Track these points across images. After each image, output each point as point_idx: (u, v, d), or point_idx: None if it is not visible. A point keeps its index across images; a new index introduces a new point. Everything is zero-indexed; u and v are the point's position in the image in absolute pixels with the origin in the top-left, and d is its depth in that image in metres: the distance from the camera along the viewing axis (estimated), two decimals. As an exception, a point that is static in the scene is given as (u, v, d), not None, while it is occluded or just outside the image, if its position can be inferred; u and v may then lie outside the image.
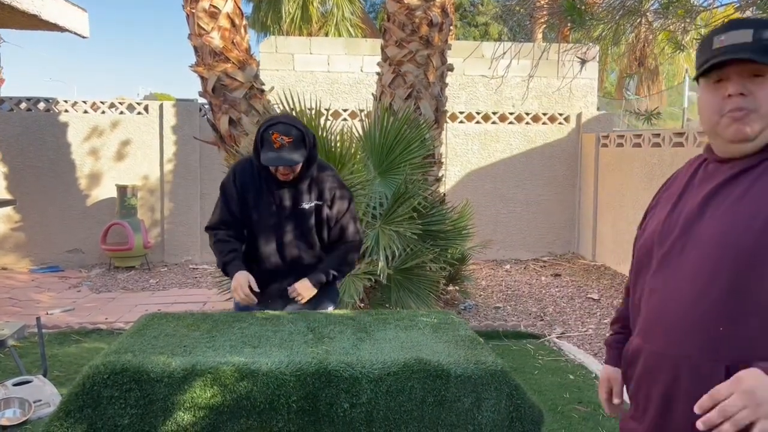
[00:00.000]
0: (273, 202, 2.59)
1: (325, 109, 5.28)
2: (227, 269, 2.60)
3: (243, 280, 2.52)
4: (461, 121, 8.11)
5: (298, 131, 2.48)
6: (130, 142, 7.74)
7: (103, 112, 7.72)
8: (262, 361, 2.01)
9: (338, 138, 4.70)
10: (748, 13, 3.83)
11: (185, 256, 7.88)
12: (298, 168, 2.53)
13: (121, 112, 7.77)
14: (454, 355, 2.09)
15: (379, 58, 5.83)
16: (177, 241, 7.87)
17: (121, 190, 7.36)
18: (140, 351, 2.06)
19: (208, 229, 2.71)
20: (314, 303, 2.69)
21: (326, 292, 2.73)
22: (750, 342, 1.14)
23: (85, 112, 7.68)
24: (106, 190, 7.65)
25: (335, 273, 2.69)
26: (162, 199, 7.82)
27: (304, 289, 2.62)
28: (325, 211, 2.63)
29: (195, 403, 1.93)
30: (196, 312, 2.68)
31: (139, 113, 7.79)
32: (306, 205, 2.59)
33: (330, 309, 2.74)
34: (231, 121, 5.45)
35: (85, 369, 1.94)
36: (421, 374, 2.00)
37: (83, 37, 5.89)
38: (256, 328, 2.37)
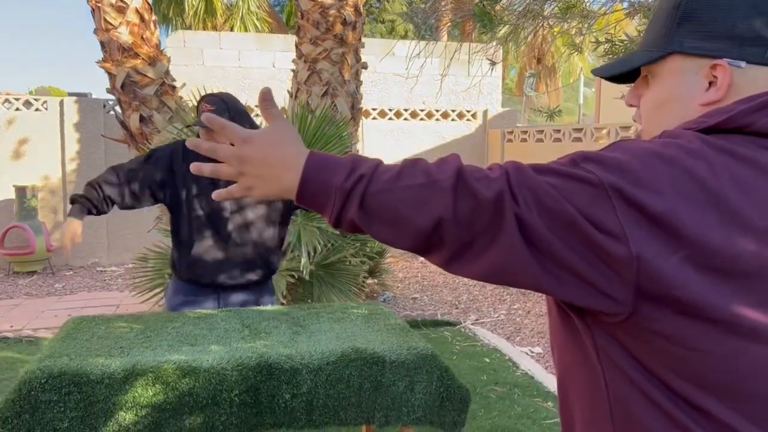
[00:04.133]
0: (203, 182, 2.58)
1: (240, 106, 5.26)
2: (73, 204, 2.55)
3: (76, 229, 2.49)
4: (374, 118, 8.27)
5: (222, 102, 2.55)
6: (28, 140, 7.33)
7: (-4, 108, 7.27)
8: (203, 358, 2.05)
9: (256, 135, 4.71)
10: (635, 20, 4.20)
11: (92, 259, 7.57)
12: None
13: (17, 109, 7.34)
14: (387, 343, 2.22)
15: (290, 54, 5.86)
16: (82, 243, 7.51)
17: (20, 191, 6.97)
18: (76, 354, 2.05)
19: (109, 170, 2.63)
20: (255, 297, 2.74)
21: (265, 288, 2.78)
22: None
23: (-24, 108, 7.20)
24: (2, 192, 7.21)
25: None
26: (65, 199, 7.46)
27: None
28: None
29: (137, 402, 1.95)
30: (125, 314, 2.65)
31: (37, 110, 7.39)
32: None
33: (270, 305, 2.80)
34: (142, 119, 5.32)
35: (21, 374, 1.91)
36: (359, 362, 2.11)
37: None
38: (191, 328, 2.40)
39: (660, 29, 0.88)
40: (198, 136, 2.62)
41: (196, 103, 2.62)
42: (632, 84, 0.96)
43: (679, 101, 0.87)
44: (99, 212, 2.59)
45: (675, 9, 0.86)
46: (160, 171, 2.60)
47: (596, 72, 0.99)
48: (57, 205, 7.48)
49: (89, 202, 2.54)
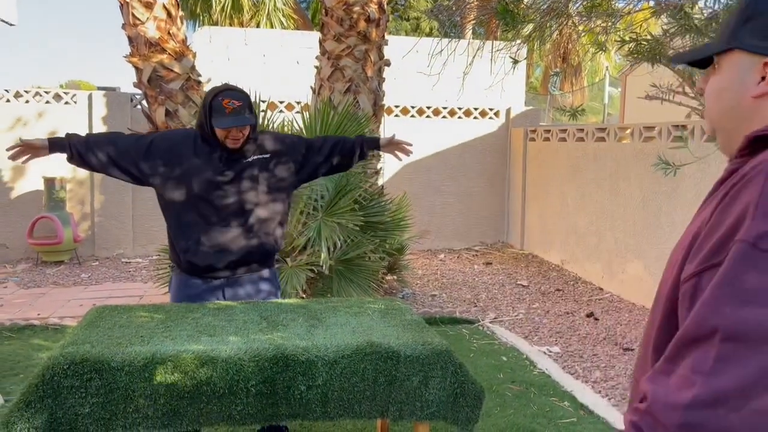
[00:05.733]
0: (218, 165, 2.60)
1: (262, 101, 5.32)
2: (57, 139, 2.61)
3: (32, 144, 2.53)
4: (396, 115, 8.28)
5: (246, 96, 2.58)
6: (58, 132, 7.47)
7: (27, 102, 7.42)
8: (221, 348, 2.09)
9: (278, 130, 4.76)
10: (663, 19, 4.15)
11: (117, 250, 7.71)
12: (248, 131, 2.57)
13: (47, 102, 7.49)
14: (402, 338, 2.24)
15: (314, 51, 5.90)
16: (108, 234, 7.68)
17: (49, 182, 7.12)
18: (98, 342, 2.10)
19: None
20: (257, 289, 2.76)
21: (267, 276, 2.79)
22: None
23: (8, 101, 7.36)
24: (31, 183, 7.37)
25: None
26: (92, 191, 7.61)
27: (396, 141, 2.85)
28: (275, 161, 2.68)
29: (155, 390, 2.00)
30: (147, 304, 2.71)
31: (66, 103, 7.54)
32: (250, 158, 2.63)
33: (274, 298, 2.81)
34: (168, 113, 5.41)
35: (44, 360, 1.97)
36: (373, 356, 2.13)
37: (11, 25, 5.64)
38: (210, 319, 2.44)
39: (730, 25, 0.98)
40: (204, 127, 2.61)
41: (207, 100, 2.57)
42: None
43: (733, 91, 0.97)
44: (72, 156, 2.62)
45: (743, 10, 0.97)
46: (163, 159, 2.61)
47: (675, 58, 1.10)
48: (85, 196, 7.62)
49: (69, 143, 2.59)
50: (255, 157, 2.65)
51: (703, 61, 1.03)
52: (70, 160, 2.63)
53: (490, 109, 8.63)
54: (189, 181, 2.60)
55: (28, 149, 2.57)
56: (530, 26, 4.45)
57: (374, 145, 2.91)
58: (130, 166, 2.64)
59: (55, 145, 2.60)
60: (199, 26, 13.93)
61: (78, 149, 2.61)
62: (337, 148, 2.83)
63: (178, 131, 2.77)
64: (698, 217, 0.97)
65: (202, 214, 2.61)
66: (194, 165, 2.60)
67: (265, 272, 2.77)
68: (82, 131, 7.42)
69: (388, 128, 8.07)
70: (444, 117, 8.47)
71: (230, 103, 2.52)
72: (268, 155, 2.68)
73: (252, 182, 2.64)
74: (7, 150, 2.56)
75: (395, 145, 2.88)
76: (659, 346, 0.94)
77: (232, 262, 2.65)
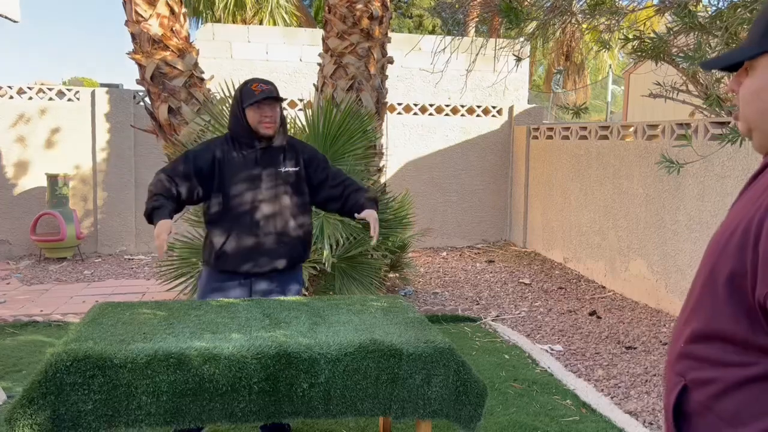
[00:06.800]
0: (253, 165, 2.73)
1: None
2: (152, 215, 2.61)
3: (165, 227, 2.53)
4: (399, 113, 8.27)
5: (274, 85, 2.74)
6: (61, 129, 7.49)
7: (31, 98, 7.43)
8: (224, 345, 2.09)
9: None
10: (666, 17, 4.14)
11: (119, 247, 7.72)
12: (278, 116, 2.71)
13: (51, 99, 7.50)
14: (405, 336, 2.24)
15: (317, 48, 5.89)
16: (111, 231, 7.69)
17: (52, 179, 7.13)
18: (100, 338, 2.11)
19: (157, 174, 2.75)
20: (283, 285, 2.81)
21: (293, 276, 2.85)
22: (697, 363, 1.03)
23: (11, 97, 7.37)
24: (34, 179, 7.38)
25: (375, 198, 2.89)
26: (95, 188, 7.62)
27: (375, 219, 2.72)
28: (304, 173, 2.81)
29: (158, 387, 2.00)
30: (149, 301, 2.71)
31: (69, 100, 7.54)
32: (282, 169, 2.76)
33: (297, 294, 2.88)
34: (170, 110, 5.40)
35: (47, 357, 1.97)
36: (376, 354, 2.13)
37: (14, 21, 5.64)
38: (213, 316, 2.44)
39: (760, 31, 1.04)
40: (238, 121, 2.74)
41: (239, 89, 2.75)
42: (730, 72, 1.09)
43: None
44: (179, 208, 2.71)
45: None
46: (201, 166, 2.72)
47: (704, 65, 1.13)
48: (87, 193, 7.63)
49: (163, 200, 2.63)
50: (286, 169, 2.76)
51: (730, 65, 1.07)
52: (179, 210, 2.73)
53: (493, 107, 8.61)
54: (223, 187, 2.72)
55: (167, 236, 2.53)
56: (533, 24, 4.44)
57: (372, 206, 2.79)
58: (194, 188, 2.73)
59: (163, 214, 2.59)
60: (201, 23, 13.94)
61: (167, 203, 2.65)
62: (344, 195, 2.82)
63: (208, 141, 2.89)
64: (739, 212, 1.01)
65: (236, 217, 2.71)
66: (228, 169, 2.71)
67: (290, 270, 2.85)
68: (86, 128, 7.46)
69: (391, 125, 8.07)
70: (447, 115, 8.46)
71: (259, 86, 2.68)
72: (297, 168, 2.79)
73: (283, 189, 2.75)
74: (160, 258, 2.59)
75: (372, 221, 2.72)
76: (724, 330, 0.99)
77: (261, 262, 2.74)
